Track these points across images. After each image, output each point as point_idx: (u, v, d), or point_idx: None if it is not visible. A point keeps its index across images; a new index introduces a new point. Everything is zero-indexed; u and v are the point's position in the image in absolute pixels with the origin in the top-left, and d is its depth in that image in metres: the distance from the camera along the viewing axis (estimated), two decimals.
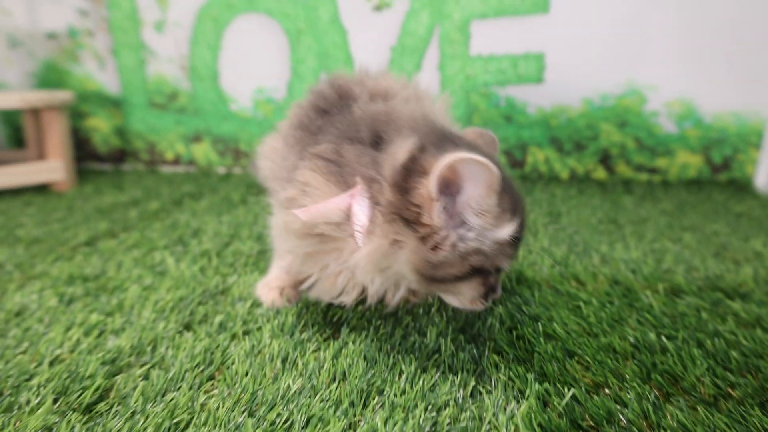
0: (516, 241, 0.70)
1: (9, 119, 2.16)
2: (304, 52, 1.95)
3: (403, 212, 0.65)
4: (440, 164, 0.60)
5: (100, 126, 2.12)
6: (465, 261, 0.66)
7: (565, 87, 1.85)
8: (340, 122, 0.76)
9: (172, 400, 0.63)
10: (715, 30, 1.72)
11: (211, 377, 0.70)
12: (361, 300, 0.79)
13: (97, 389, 0.66)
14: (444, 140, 0.70)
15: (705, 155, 1.82)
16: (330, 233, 0.71)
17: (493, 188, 0.62)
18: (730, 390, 0.64)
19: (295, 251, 0.77)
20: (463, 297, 0.73)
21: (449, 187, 0.63)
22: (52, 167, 1.69)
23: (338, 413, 0.60)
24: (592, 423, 0.59)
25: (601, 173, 1.90)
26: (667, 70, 1.78)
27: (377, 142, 0.70)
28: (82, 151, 2.15)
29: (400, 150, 0.66)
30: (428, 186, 0.62)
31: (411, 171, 0.64)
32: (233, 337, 0.80)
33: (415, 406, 0.61)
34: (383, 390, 0.65)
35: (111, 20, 2.00)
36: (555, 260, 1.07)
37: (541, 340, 0.75)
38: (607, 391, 0.64)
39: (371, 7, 1.88)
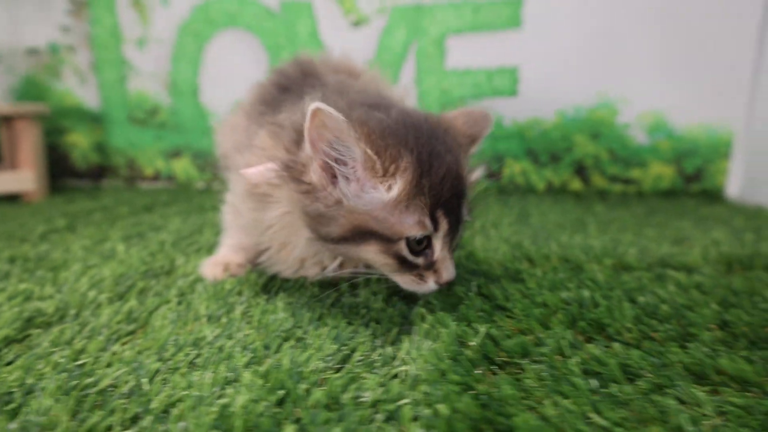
0: (422, 208, 0.64)
1: None
2: None
3: (293, 171, 0.66)
4: (306, 119, 0.60)
5: (80, 142, 2.13)
6: (346, 219, 0.64)
7: (538, 99, 1.86)
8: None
9: (80, 348, 0.62)
10: (684, 45, 1.74)
11: (131, 333, 0.68)
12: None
13: (4, 339, 0.64)
14: (369, 106, 0.71)
15: (677, 166, 1.82)
16: (273, 194, 0.72)
17: (347, 138, 0.60)
18: (653, 334, 0.62)
19: (254, 218, 0.77)
20: (379, 266, 0.69)
21: (323, 143, 0.62)
22: (23, 177, 1.69)
23: (246, 351, 0.59)
24: (506, 357, 0.57)
25: (576, 184, 1.90)
26: (638, 83, 1.80)
27: None
28: (61, 167, 2.15)
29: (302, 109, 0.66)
30: (306, 144, 0.63)
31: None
32: (165, 302, 0.78)
33: (328, 346, 0.60)
34: (302, 338, 0.64)
35: (93, 36, 2.04)
36: (510, 244, 1.06)
37: (472, 295, 0.73)
38: (528, 335, 0.62)
39: (349, 22, 1.92)
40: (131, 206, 1.59)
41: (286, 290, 0.81)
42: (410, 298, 0.76)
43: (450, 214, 0.67)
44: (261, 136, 0.74)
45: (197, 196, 1.84)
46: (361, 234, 0.65)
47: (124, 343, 0.64)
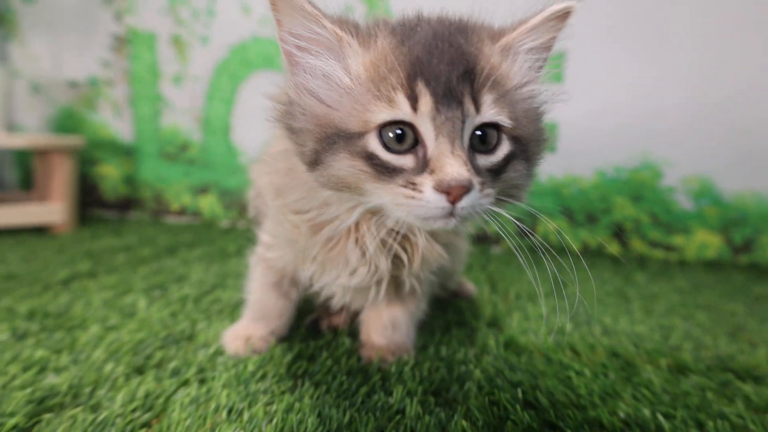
0: (394, 82, 0.52)
1: (22, 162, 2.19)
2: None
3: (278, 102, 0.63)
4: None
5: (110, 173, 2.12)
6: (314, 124, 0.55)
7: (577, 157, 1.80)
8: None
9: None
10: (735, 106, 1.67)
11: (146, 424, 0.62)
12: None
13: (13, 428, 0.59)
14: None
15: (724, 235, 1.73)
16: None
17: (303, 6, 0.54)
18: None
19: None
20: (357, 182, 0.55)
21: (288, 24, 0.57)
22: (52, 210, 1.67)
23: None
24: None
25: (614, 247, 1.82)
26: (684, 144, 1.73)
27: None
28: (91, 197, 2.15)
29: None
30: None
31: None
32: (184, 383, 0.73)
33: None
34: None
35: (132, 72, 2.04)
36: (551, 329, 0.99)
37: (518, 407, 0.66)
38: None
39: None
40: (154, 247, 1.55)
41: (312, 376, 0.75)
42: (446, 403, 0.69)
43: (440, 88, 0.51)
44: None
45: (220, 237, 1.79)
46: (329, 139, 0.54)
47: None
